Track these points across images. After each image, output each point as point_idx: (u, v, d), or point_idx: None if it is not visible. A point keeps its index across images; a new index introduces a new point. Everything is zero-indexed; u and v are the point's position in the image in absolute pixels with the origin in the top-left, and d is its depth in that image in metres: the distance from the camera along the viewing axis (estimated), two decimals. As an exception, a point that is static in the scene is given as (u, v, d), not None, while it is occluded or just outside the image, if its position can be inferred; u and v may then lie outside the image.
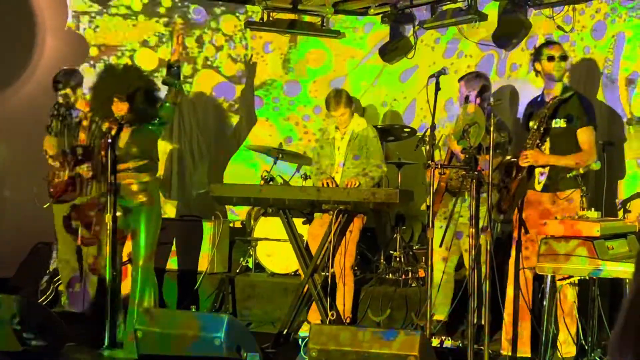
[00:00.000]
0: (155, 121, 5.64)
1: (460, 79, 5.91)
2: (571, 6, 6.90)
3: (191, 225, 7.32)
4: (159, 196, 5.97)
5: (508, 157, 5.28)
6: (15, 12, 7.89)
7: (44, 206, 6.40)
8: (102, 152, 5.39)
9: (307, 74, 8.87)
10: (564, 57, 5.22)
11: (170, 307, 6.78)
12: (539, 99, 5.37)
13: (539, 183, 5.20)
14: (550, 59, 5.19)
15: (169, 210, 8.28)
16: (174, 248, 7.11)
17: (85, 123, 6.31)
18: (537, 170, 5.19)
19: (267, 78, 8.82)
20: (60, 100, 6.37)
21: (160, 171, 7.24)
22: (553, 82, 5.22)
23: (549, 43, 5.41)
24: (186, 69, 8.49)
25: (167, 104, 5.72)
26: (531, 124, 5.23)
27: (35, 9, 7.96)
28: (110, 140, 5.16)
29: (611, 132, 6.42)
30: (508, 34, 7.16)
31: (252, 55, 8.73)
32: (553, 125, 5.14)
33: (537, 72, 5.30)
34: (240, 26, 8.67)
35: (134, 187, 5.59)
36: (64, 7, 8.14)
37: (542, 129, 5.10)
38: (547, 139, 5.15)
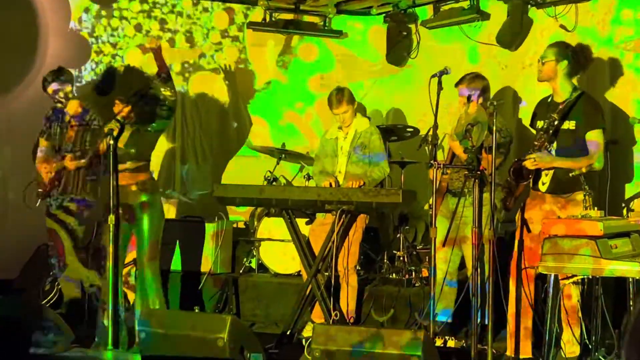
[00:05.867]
0: (154, 124, 5.64)
1: (459, 80, 5.88)
2: (574, 5, 6.87)
3: (193, 226, 7.31)
4: (160, 195, 5.96)
5: (523, 160, 5.21)
6: (18, 14, 7.88)
7: (36, 205, 6.39)
8: (102, 151, 5.40)
9: (308, 73, 8.86)
10: (540, 60, 5.24)
11: (173, 308, 6.77)
12: (548, 99, 5.35)
13: (543, 184, 5.18)
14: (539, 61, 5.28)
15: (171, 210, 8.27)
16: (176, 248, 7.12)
17: (73, 122, 6.28)
18: (542, 172, 5.17)
19: (269, 78, 8.82)
20: (51, 92, 6.32)
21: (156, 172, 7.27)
22: (551, 83, 5.23)
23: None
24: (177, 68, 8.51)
25: (165, 108, 5.68)
26: (539, 124, 5.21)
27: (39, 10, 7.96)
28: (112, 142, 5.14)
29: (616, 132, 6.37)
30: (511, 33, 7.14)
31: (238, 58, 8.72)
32: (562, 126, 5.12)
33: None
34: (233, 27, 8.65)
35: (133, 187, 5.58)
36: (67, 9, 8.14)
37: (550, 131, 5.08)
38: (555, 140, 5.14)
